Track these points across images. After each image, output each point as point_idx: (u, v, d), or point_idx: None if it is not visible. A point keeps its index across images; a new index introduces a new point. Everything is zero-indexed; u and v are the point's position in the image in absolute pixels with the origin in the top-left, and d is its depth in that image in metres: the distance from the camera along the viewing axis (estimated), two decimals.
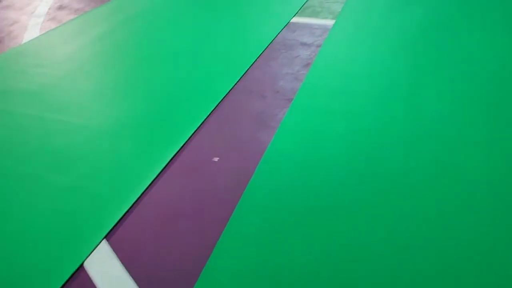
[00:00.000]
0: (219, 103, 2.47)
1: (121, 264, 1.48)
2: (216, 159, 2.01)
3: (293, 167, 1.91)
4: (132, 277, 1.44)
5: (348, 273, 1.42)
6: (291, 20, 3.71)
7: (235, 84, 2.68)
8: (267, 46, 3.20)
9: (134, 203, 1.75)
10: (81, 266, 1.48)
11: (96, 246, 1.54)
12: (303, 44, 3.24)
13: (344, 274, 1.42)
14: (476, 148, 2.01)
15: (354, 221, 1.62)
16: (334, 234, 1.57)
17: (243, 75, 2.79)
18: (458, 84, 2.57)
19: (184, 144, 2.11)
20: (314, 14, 3.85)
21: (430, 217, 1.64)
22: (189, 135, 2.16)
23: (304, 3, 4.08)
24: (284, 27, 3.57)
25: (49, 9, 4.07)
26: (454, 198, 1.73)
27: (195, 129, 2.22)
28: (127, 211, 1.70)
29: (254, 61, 2.97)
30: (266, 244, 1.54)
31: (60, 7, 4.10)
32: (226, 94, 2.56)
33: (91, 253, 1.52)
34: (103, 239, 1.58)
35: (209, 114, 2.36)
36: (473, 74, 2.69)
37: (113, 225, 1.63)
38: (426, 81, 2.62)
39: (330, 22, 3.64)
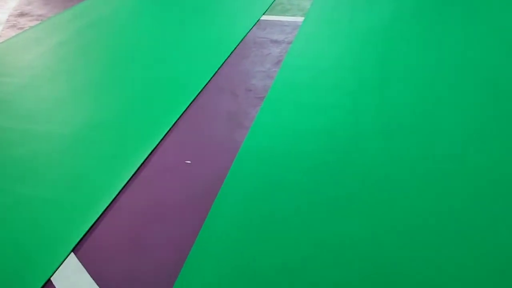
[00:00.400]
0: (190, 103, 2.40)
1: (91, 278, 1.40)
2: (188, 161, 1.94)
3: (268, 165, 1.87)
4: None
5: (328, 272, 1.38)
6: (261, 18, 3.67)
7: (206, 84, 2.62)
8: (237, 45, 3.14)
9: (104, 212, 1.66)
10: (49, 281, 1.39)
11: (64, 260, 1.46)
12: (274, 42, 3.20)
13: (324, 273, 1.38)
14: (448, 137, 2.01)
15: (332, 218, 1.58)
16: (313, 232, 1.53)
17: (214, 74, 2.73)
18: (426, 75, 2.58)
19: (155, 147, 2.03)
20: (284, 12, 3.82)
21: (410, 209, 1.61)
22: (160, 138, 2.09)
23: (274, 1, 4.06)
24: (254, 25, 3.53)
25: (9, 16, 3.91)
26: (432, 188, 1.71)
27: (166, 131, 2.14)
28: (96, 221, 1.62)
29: (225, 60, 2.91)
30: (242, 245, 1.48)
31: (21, 14, 3.95)
32: (197, 94, 2.50)
33: (58, 267, 1.43)
34: (71, 252, 1.49)
35: (180, 115, 2.28)
36: (441, 65, 2.71)
37: (81, 236, 1.54)
38: (396, 73, 2.62)
39: (299, 19, 3.62)
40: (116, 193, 1.74)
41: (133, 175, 1.85)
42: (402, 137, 2.02)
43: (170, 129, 2.17)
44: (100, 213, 1.64)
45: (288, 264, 1.40)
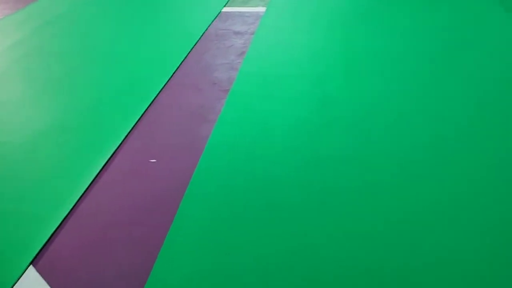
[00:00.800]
0: (153, 101, 2.31)
1: None
2: (153, 160, 1.87)
3: (235, 160, 1.81)
4: None
5: (301, 272, 1.34)
6: (222, 10, 3.60)
7: (169, 80, 2.53)
8: (199, 38, 3.06)
9: (64, 219, 1.57)
10: None
11: (22, 274, 1.36)
12: (236, 33, 3.13)
13: (296, 274, 1.34)
14: (416, 122, 2.01)
15: (305, 208, 1.54)
16: (284, 230, 1.48)
17: (177, 69, 2.65)
18: (393, 63, 2.58)
19: (117, 149, 1.94)
20: (245, 3, 3.75)
21: (386, 201, 1.60)
22: (123, 138, 2.00)
23: None
24: (216, 17, 3.45)
25: None
26: (401, 175, 1.70)
27: (129, 130, 2.05)
28: (56, 230, 1.52)
29: (187, 54, 2.83)
30: (213, 243, 1.42)
31: None
32: (160, 91, 2.41)
33: (16, 282, 1.33)
34: (30, 264, 1.39)
35: (143, 113, 2.20)
36: (408, 52, 2.72)
37: (40, 247, 1.45)
38: (362, 61, 2.61)
39: (261, 10, 3.56)
40: (77, 199, 1.65)
41: (94, 179, 1.76)
42: (370, 125, 2.00)
43: (132, 129, 2.08)
44: (60, 221, 1.55)
45: (262, 258, 1.36)
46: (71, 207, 1.61)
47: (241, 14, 3.49)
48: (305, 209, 1.53)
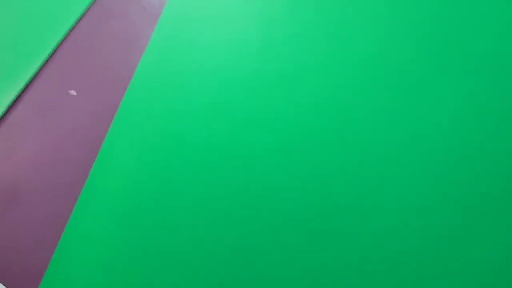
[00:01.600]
0: (72, 27, 2.03)
1: None
2: (73, 92, 1.64)
3: (167, 90, 1.63)
4: None
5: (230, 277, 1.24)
6: None
7: (91, 4, 2.22)
8: None
9: None
10: None
11: None
12: None
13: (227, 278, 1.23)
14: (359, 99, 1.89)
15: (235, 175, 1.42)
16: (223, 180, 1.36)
17: None
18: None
19: (29, 81, 1.69)
20: None
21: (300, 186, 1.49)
22: (36, 69, 1.74)
23: None
24: None
25: None
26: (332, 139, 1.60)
27: (44, 60, 1.79)
28: None
29: None
30: (135, 203, 1.28)
31: None
32: (81, 16, 2.11)
33: None
34: None
35: (61, 42, 1.92)
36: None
37: None
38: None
39: None
40: None
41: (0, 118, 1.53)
42: (317, 57, 1.86)
43: (49, 58, 1.82)
44: None
45: (187, 243, 1.24)
46: None
47: None
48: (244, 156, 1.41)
